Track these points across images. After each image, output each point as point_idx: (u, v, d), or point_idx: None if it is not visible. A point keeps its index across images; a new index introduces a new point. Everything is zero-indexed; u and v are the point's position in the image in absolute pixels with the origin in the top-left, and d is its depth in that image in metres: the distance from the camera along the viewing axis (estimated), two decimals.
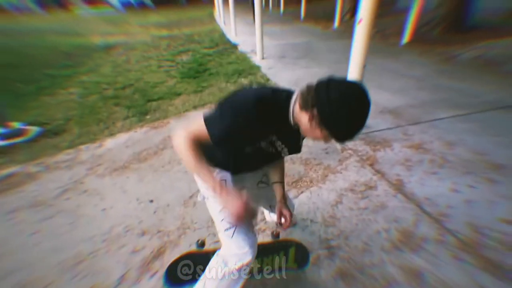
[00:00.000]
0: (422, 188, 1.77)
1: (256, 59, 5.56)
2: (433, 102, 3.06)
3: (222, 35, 8.66)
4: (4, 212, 1.67)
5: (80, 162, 2.18)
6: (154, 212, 1.63)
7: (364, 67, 2.24)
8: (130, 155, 2.27)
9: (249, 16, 11.62)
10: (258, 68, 4.89)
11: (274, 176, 1.09)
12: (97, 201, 1.74)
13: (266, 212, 1.46)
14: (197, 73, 4.75)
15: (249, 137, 0.82)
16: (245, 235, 0.91)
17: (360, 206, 1.64)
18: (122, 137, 2.59)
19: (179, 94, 3.76)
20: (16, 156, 2.29)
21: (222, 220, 0.92)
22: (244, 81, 4.27)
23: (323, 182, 1.87)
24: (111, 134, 2.65)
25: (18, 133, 2.58)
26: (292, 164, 2.10)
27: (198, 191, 0.98)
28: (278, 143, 0.89)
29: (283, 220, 1.05)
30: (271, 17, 13.51)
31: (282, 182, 1.10)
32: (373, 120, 2.74)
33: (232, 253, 0.89)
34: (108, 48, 7.34)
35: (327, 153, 2.24)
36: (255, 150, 0.89)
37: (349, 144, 2.34)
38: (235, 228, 0.91)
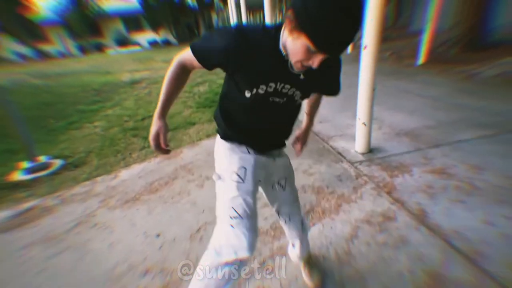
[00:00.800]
0: (449, 219, 1.59)
1: None
2: (453, 123, 2.88)
3: None
4: (17, 248, 1.71)
5: (94, 195, 2.24)
6: (160, 247, 1.60)
7: (374, 90, 2.19)
8: (142, 186, 2.30)
9: None
10: None
11: (305, 107, 1.07)
12: (105, 235, 1.75)
13: (290, 247, 1.33)
14: (212, 102, 4.91)
15: (238, 72, 0.78)
16: (248, 230, 0.82)
17: (378, 241, 1.50)
18: (136, 168, 2.67)
19: (193, 124, 3.88)
20: (38, 189, 2.41)
21: (231, 207, 0.84)
22: None
23: (337, 213, 1.75)
24: (127, 165, 2.74)
25: (43, 166, 2.75)
26: (303, 193, 2.01)
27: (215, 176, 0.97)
28: (282, 85, 0.79)
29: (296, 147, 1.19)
30: None
31: (310, 115, 1.15)
32: (389, 143, 2.61)
33: (229, 244, 0.81)
34: (133, 83, 7.89)
35: (340, 180, 2.13)
36: (259, 99, 0.82)
37: (364, 170, 2.22)
38: (240, 218, 0.83)
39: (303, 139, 1.19)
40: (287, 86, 0.80)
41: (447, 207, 1.69)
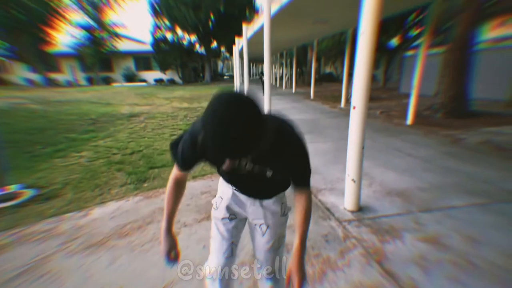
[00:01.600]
0: None
1: None
2: (444, 186, 2.83)
3: None
4: None
5: (56, 234, 2.02)
6: None
7: (363, 148, 2.17)
8: (112, 229, 2.09)
9: (261, 93, 12.76)
10: None
11: (295, 218, 0.94)
12: None
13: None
14: None
15: (198, 159, 0.90)
16: (217, 243, 1.08)
17: None
18: (111, 206, 2.48)
19: None
20: None
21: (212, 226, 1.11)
22: None
23: (320, 283, 1.56)
24: (102, 202, 2.55)
25: (10, 196, 2.54)
26: (286, 253, 1.82)
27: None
28: (249, 164, 0.84)
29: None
30: (283, 95, 14.73)
31: (299, 232, 0.91)
32: (380, 203, 2.51)
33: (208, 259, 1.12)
34: (131, 116, 7.98)
35: (327, 241, 1.97)
36: (230, 172, 0.92)
37: (353, 231, 2.07)
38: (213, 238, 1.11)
39: (297, 272, 0.90)
40: (251, 164, 0.85)
41: (444, 285, 1.52)
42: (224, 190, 1.08)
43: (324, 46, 18.75)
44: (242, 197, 1.05)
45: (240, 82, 13.32)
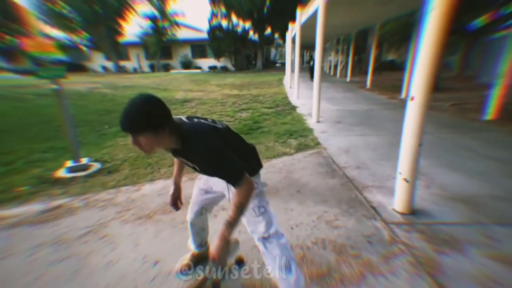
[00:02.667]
0: None
1: (311, 122, 5.54)
2: None
3: (285, 97, 9.15)
4: (31, 245, 1.78)
5: (114, 204, 2.29)
6: (152, 279, 1.48)
7: (420, 145, 1.90)
8: (158, 205, 2.28)
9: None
10: (310, 131, 4.81)
11: None
12: (108, 251, 1.71)
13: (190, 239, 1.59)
14: (250, 129, 4.94)
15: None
16: (191, 204, 1.48)
17: None
18: (160, 184, 2.69)
19: None
20: (72, 188, 2.57)
21: None
22: (294, 142, 4.20)
23: (358, 286, 1.44)
24: (152, 179, 2.79)
25: (83, 167, 2.97)
26: (322, 249, 1.74)
27: None
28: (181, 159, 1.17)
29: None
30: (336, 83, 13.91)
31: (227, 219, 1.03)
32: (438, 208, 2.19)
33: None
34: (184, 101, 8.51)
35: (369, 242, 1.80)
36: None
37: (402, 235, 1.86)
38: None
39: (216, 247, 1.02)
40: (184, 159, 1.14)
41: None
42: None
43: (387, 30, 16.86)
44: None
45: (292, 69, 13.00)
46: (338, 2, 6.55)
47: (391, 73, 18.28)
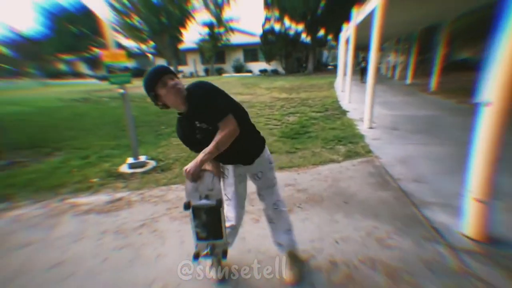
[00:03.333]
0: None
1: (363, 127, 5.18)
2: None
3: (335, 101, 8.76)
4: (100, 231, 2.04)
5: (165, 200, 2.48)
6: (193, 278, 1.55)
7: (497, 160, 1.59)
8: None
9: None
10: (361, 137, 4.50)
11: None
12: (158, 245, 1.86)
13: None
14: (296, 134, 4.85)
15: None
16: (233, 208, 1.54)
17: None
18: None
19: (272, 152, 3.88)
20: (131, 183, 2.88)
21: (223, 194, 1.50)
22: (342, 149, 3.97)
23: None
24: None
25: (141, 164, 3.30)
26: (371, 270, 1.58)
27: None
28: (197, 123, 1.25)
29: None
30: (394, 86, 12.80)
31: (209, 147, 1.16)
32: None
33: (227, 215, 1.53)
34: None
35: (430, 269, 1.58)
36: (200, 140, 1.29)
37: (475, 267, 1.58)
38: (228, 200, 1.53)
39: (190, 164, 1.19)
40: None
41: None
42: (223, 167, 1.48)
43: (460, 25, 14.75)
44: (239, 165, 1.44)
45: (344, 72, 12.41)
46: None
47: (462, 74, 15.98)
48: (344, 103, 8.18)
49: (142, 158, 3.42)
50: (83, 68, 36.26)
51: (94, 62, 29.63)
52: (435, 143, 4.06)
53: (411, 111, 6.66)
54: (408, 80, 13.98)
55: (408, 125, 5.24)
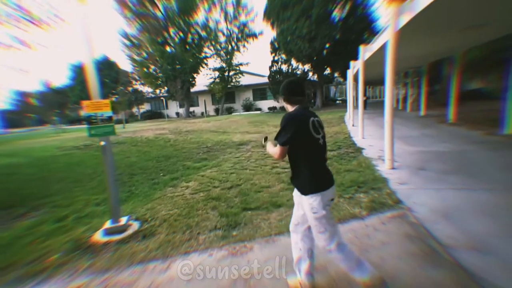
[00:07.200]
0: None
1: (383, 168, 4.50)
2: None
3: (348, 137, 8.19)
4: None
5: None
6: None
7: None
8: None
9: (379, 117, 10.92)
10: (384, 181, 3.82)
11: None
12: None
13: None
14: None
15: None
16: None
17: None
18: (193, 259, 2.17)
19: (279, 206, 3.24)
20: (99, 259, 2.27)
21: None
22: (364, 198, 3.29)
23: None
24: (187, 250, 2.31)
25: (120, 229, 2.72)
26: None
27: None
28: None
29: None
30: (408, 119, 12.22)
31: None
32: None
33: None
34: (240, 144, 8.40)
35: None
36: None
37: None
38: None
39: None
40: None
41: None
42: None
43: (472, 56, 14.60)
44: None
45: (354, 106, 12.06)
46: (411, 32, 5.73)
47: (477, 103, 15.30)
48: (358, 139, 7.59)
49: (123, 220, 2.85)
50: None
51: (111, 108, 31.43)
52: (479, 187, 3.33)
53: (436, 146, 5.95)
54: (422, 112, 13.42)
55: (438, 164, 4.52)
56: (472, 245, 2.14)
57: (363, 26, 21.87)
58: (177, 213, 3.17)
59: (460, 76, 10.29)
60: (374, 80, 21.91)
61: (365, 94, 15.97)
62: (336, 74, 26.09)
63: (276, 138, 1.51)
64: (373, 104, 24.97)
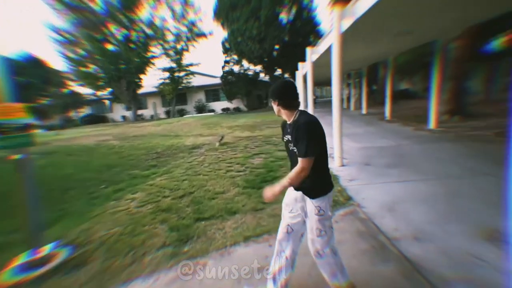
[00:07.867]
0: None
1: (334, 166, 4.70)
2: None
3: None
4: None
5: None
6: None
7: None
8: None
9: (328, 115, 11.60)
10: (335, 178, 3.96)
11: None
12: None
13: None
14: (263, 181, 4.13)
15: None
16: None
17: None
18: None
19: (234, 213, 3.08)
20: None
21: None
22: None
23: None
24: (127, 279, 1.99)
25: (41, 261, 2.23)
26: None
27: None
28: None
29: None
30: (352, 116, 13.24)
31: (285, 179, 1.47)
32: None
33: None
34: (193, 148, 8.00)
35: None
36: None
37: None
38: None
39: (273, 187, 1.52)
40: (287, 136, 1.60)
41: None
42: None
43: (401, 60, 16.59)
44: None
45: (305, 106, 12.58)
46: (353, 37, 6.20)
47: (407, 102, 17.47)
48: None
49: (47, 248, 2.35)
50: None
51: (41, 112, 27.11)
52: (416, 178, 3.67)
53: (377, 142, 6.50)
54: (364, 110, 14.70)
55: (381, 159, 4.90)
56: (413, 234, 2.29)
57: (309, 29, 23.11)
58: (118, 232, 2.76)
59: (392, 78, 11.53)
60: (321, 81, 23.32)
61: (314, 94, 16.91)
62: (286, 75, 27.09)
63: (305, 151, 1.37)
64: (321, 103, 26.62)
